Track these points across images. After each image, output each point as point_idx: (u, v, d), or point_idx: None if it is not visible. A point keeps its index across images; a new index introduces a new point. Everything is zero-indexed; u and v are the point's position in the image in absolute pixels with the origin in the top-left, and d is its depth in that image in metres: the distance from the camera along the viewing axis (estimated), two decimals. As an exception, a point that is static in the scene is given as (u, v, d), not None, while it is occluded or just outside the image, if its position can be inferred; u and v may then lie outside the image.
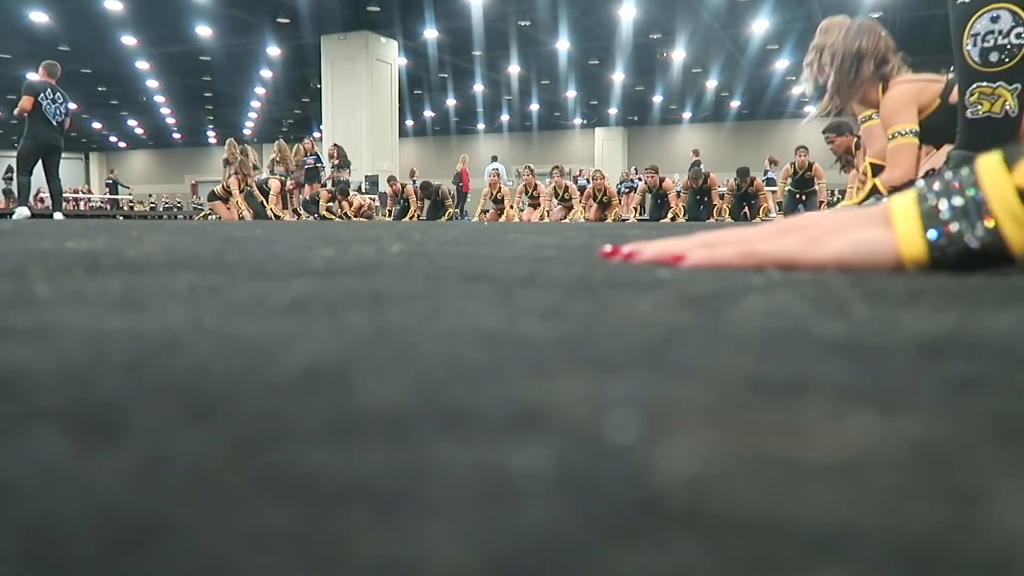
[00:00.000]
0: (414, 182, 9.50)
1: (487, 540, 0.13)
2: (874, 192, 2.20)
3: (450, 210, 8.98)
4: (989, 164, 0.55)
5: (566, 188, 8.49)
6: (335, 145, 9.71)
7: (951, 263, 0.54)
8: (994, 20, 1.48)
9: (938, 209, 0.55)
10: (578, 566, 0.12)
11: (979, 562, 0.12)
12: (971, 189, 0.55)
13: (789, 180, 6.83)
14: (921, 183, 0.58)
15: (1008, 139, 1.52)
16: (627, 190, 10.92)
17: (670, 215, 7.77)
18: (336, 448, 0.17)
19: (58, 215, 5.80)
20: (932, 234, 0.55)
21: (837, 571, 0.12)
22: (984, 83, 1.51)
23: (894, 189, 2.11)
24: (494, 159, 12.80)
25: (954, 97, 2.02)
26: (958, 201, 0.55)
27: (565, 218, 8.08)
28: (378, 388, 0.22)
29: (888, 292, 0.45)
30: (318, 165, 9.09)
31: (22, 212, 5.64)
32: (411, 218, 8.76)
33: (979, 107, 1.52)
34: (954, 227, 0.55)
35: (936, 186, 0.57)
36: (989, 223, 0.53)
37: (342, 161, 9.33)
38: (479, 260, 0.75)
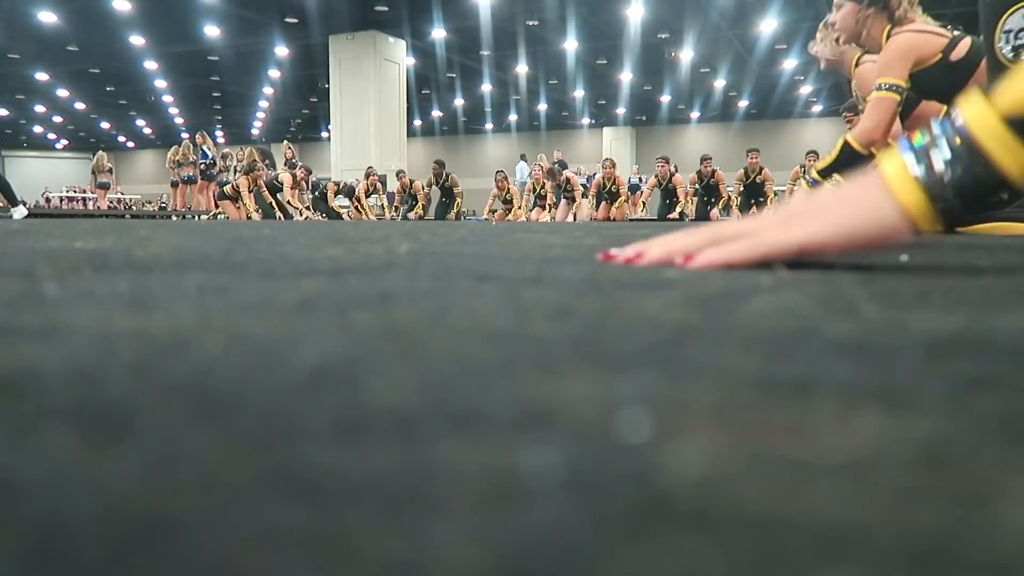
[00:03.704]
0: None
1: (496, 539, 0.13)
2: (844, 150, 2.15)
3: (459, 201, 8.94)
4: (968, 100, 0.55)
5: (568, 180, 8.48)
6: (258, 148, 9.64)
7: (956, 204, 0.54)
8: None
9: (928, 154, 0.55)
10: (587, 565, 0.12)
11: (988, 562, 0.12)
12: (953, 132, 0.55)
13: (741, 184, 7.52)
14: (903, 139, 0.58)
15: None
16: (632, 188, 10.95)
17: (678, 210, 7.78)
18: (344, 447, 0.17)
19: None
20: (919, 171, 0.55)
21: (845, 570, 0.12)
22: None
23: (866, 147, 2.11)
24: (523, 158, 13.37)
25: (956, 54, 2.02)
26: (945, 146, 0.55)
27: (570, 213, 8.09)
28: (386, 387, 0.22)
29: (897, 292, 0.45)
30: (206, 163, 8.94)
31: (21, 212, 5.64)
32: (417, 215, 8.75)
33: None
34: (941, 165, 0.54)
35: (922, 138, 0.57)
36: (973, 147, 0.54)
37: (271, 161, 9.32)
38: (487, 260, 0.75)
